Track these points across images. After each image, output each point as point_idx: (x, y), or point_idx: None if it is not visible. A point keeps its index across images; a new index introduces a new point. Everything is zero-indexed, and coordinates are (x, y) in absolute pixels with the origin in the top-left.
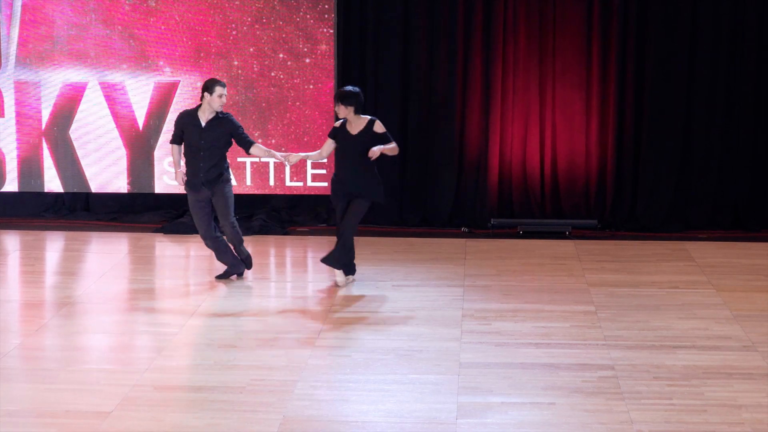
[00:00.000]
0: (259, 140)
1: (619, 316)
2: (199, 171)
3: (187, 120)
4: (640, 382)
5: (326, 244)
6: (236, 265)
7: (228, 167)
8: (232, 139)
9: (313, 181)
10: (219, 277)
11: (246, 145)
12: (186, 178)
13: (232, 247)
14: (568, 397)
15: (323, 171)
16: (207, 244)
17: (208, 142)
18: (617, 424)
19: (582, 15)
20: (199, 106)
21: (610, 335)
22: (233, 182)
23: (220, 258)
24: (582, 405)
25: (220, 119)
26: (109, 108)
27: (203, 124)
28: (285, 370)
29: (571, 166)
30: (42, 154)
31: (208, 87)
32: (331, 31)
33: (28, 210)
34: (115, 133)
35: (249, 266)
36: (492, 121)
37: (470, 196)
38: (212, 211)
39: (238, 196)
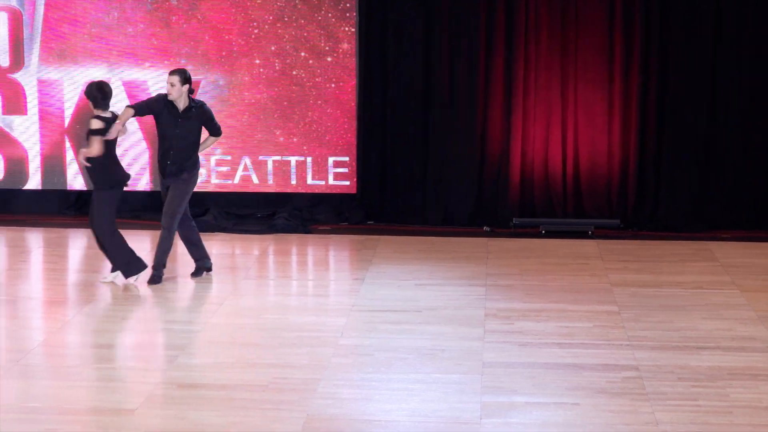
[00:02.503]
0: (281, 138)
1: (642, 316)
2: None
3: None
4: (664, 383)
5: (348, 242)
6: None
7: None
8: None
9: (335, 179)
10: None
11: None
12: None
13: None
14: (592, 398)
15: (345, 170)
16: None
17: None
18: (642, 425)
19: (604, 14)
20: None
21: (634, 335)
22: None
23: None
24: (606, 405)
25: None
26: None
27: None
28: (308, 369)
29: (593, 166)
30: (65, 152)
31: None
32: (353, 29)
33: (51, 208)
34: (138, 131)
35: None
36: (514, 120)
37: (492, 196)
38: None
39: (261, 194)
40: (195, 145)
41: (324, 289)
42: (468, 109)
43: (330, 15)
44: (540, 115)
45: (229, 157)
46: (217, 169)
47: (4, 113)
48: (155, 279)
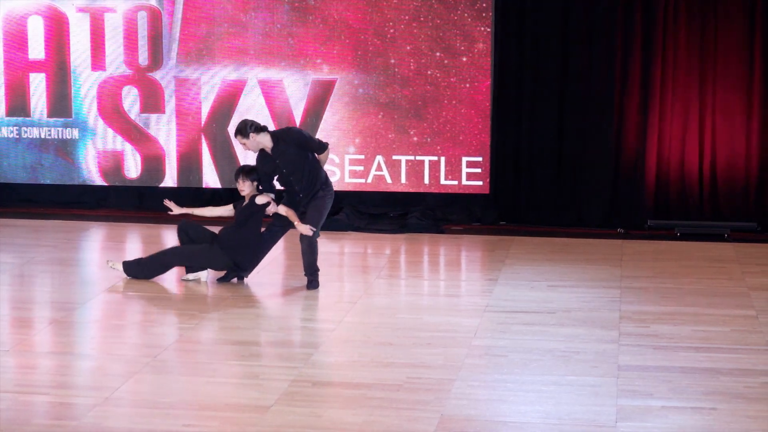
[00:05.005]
0: (414, 138)
1: None
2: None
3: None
4: None
5: (481, 242)
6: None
7: None
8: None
9: (468, 179)
10: (220, 280)
11: None
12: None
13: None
14: (730, 403)
15: (478, 170)
16: None
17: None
18: None
19: (744, 12)
20: None
21: None
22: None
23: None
24: (744, 411)
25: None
26: (267, 105)
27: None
28: (442, 369)
29: (730, 167)
30: (201, 150)
31: None
32: (489, 29)
33: (186, 205)
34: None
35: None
36: (650, 121)
37: (626, 197)
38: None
39: (394, 194)
40: (310, 169)
41: (456, 290)
42: (603, 109)
43: (466, 15)
44: (677, 116)
45: (362, 156)
46: (350, 168)
47: (141, 111)
48: (313, 284)
